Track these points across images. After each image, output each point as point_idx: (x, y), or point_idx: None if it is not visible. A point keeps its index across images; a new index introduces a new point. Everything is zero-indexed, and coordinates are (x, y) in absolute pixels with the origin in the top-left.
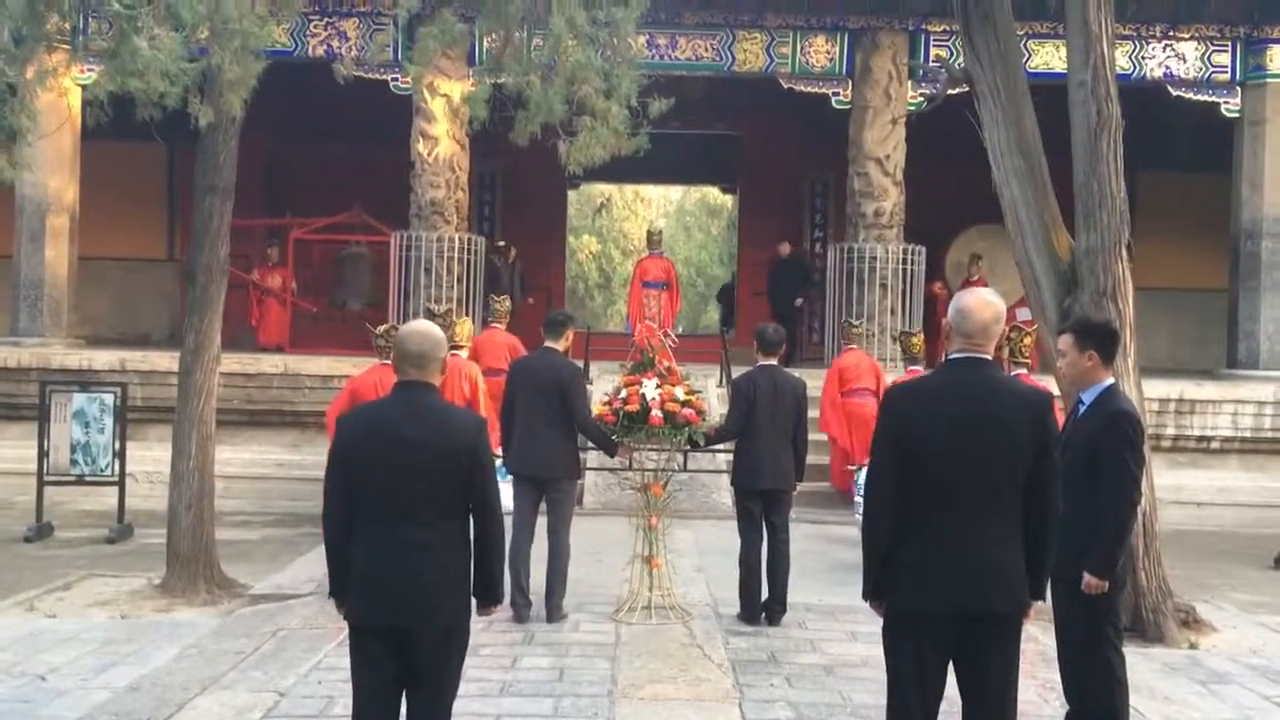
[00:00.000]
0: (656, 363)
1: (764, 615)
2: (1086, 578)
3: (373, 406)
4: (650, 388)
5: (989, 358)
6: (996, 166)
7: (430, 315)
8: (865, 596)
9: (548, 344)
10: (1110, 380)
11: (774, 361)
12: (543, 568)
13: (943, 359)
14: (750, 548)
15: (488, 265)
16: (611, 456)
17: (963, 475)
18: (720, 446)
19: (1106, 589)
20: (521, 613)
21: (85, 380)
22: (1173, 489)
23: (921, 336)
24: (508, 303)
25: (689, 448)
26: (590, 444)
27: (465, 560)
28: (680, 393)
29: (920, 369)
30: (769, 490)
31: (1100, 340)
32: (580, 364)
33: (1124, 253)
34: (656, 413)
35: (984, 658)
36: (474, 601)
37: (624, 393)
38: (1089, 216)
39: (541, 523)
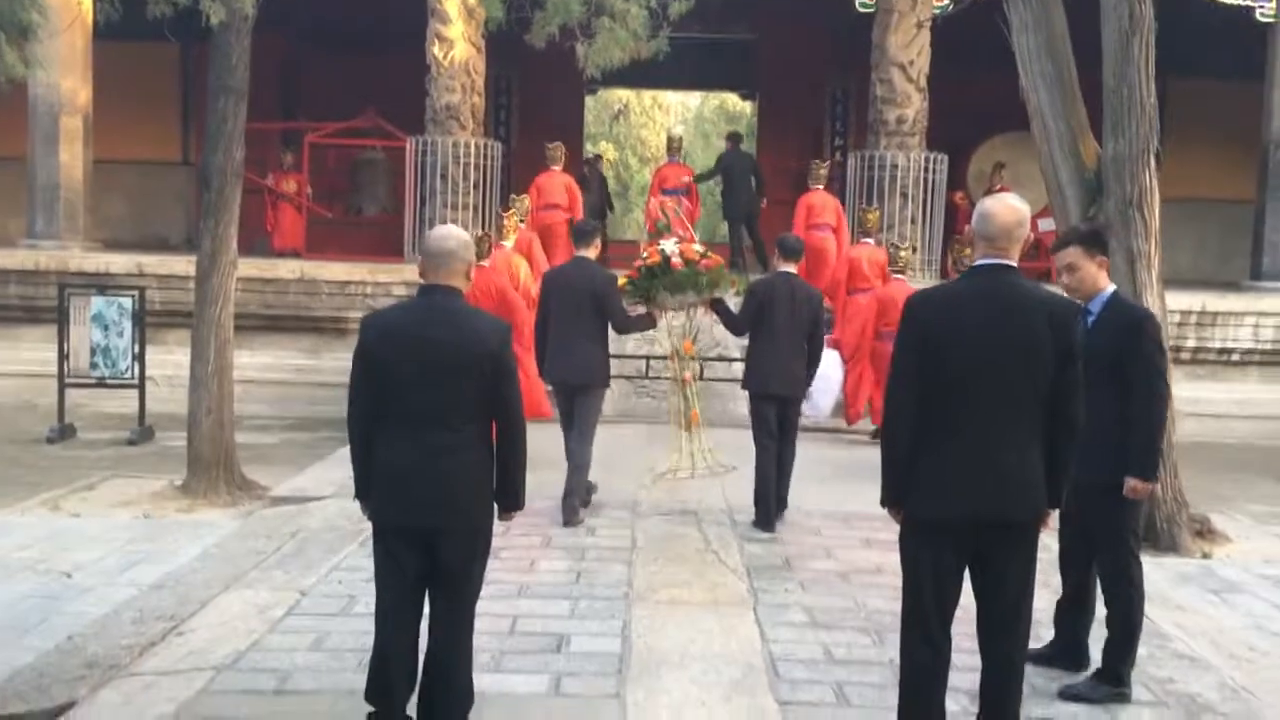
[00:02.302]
0: (672, 228)
1: None
2: (1131, 482)
3: (396, 309)
4: (670, 245)
5: (1013, 264)
6: (1024, 71)
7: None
8: (884, 503)
9: (580, 253)
10: (1113, 287)
11: (793, 269)
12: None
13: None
14: (765, 455)
15: (580, 181)
16: (652, 326)
17: (984, 383)
18: (736, 354)
19: (1150, 492)
20: (570, 517)
21: (103, 284)
22: (1191, 401)
23: (910, 250)
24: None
25: (713, 306)
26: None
27: (489, 465)
28: (698, 248)
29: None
30: (780, 396)
31: (1105, 245)
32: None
33: (1152, 161)
34: (677, 259)
35: (1001, 564)
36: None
37: (645, 253)
38: (1117, 123)
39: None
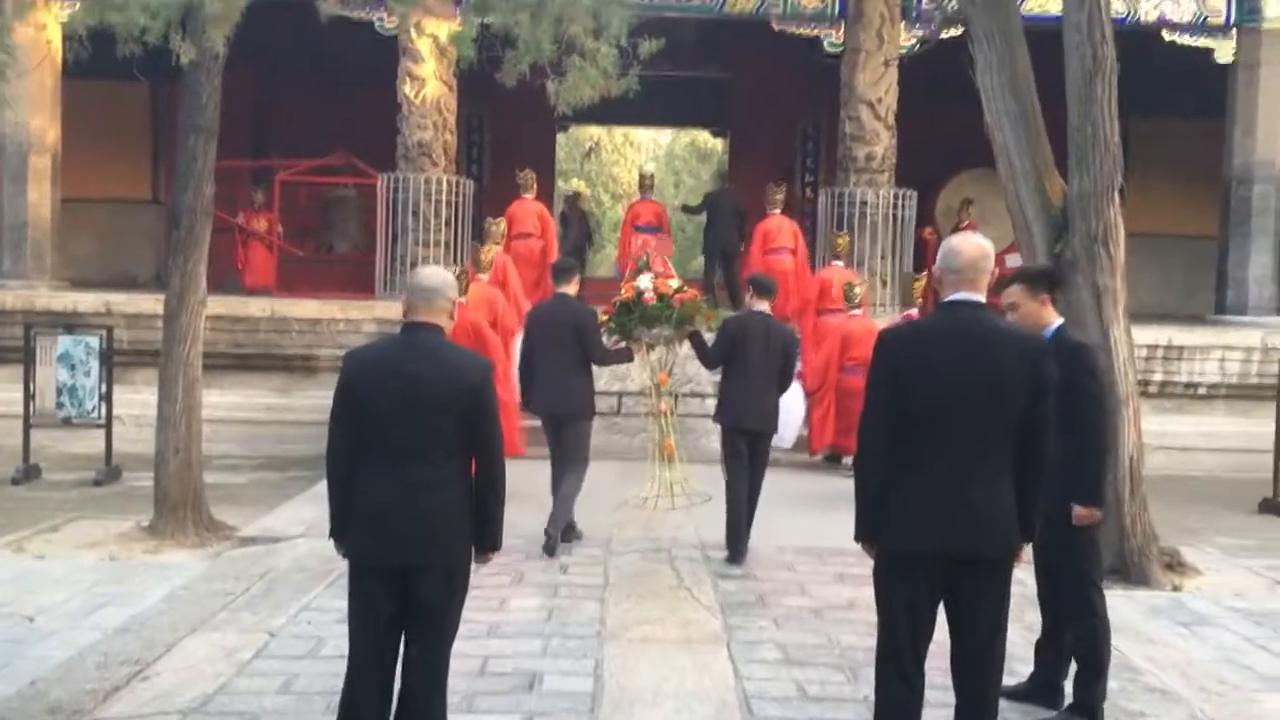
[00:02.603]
0: (651, 266)
1: None
2: (1077, 509)
3: (379, 344)
4: (645, 280)
5: (983, 300)
6: (989, 109)
7: (475, 261)
8: (857, 538)
9: (560, 290)
10: (1059, 320)
11: (767, 307)
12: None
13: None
14: (737, 488)
15: (561, 218)
16: (629, 360)
17: (955, 418)
18: (709, 390)
19: (1097, 518)
20: (553, 546)
21: (70, 323)
22: (1159, 434)
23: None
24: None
25: (690, 339)
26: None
27: (469, 503)
28: (674, 284)
29: (916, 313)
30: (753, 430)
31: (1050, 282)
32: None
33: (1116, 198)
34: (650, 294)
35: (974, 599)
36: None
37: (623, 289)
38: (1082, 160)
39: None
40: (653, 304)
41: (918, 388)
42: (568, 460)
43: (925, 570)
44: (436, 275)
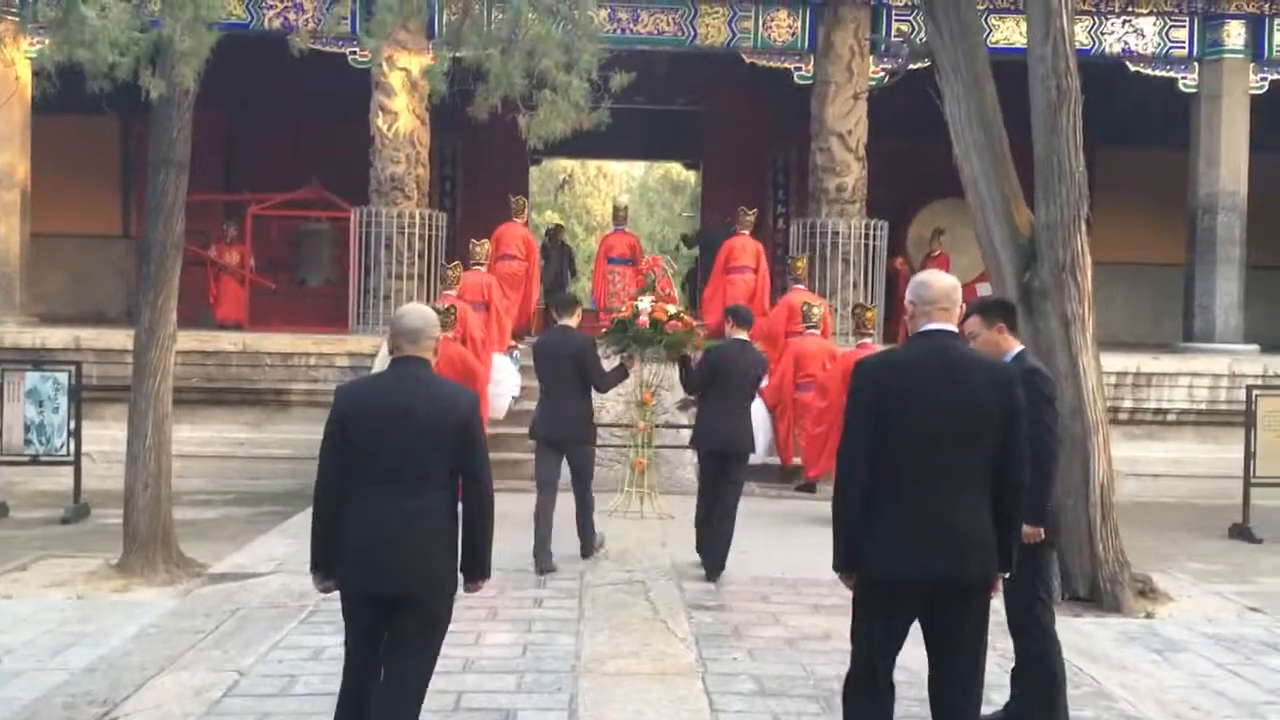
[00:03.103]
0: (657, 287)
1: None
2: (1025, 529)
3: (369, 379)
4: (645, 302)
5: (954, 329)
6: (957, 141)
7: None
8: (836, 568)
9: (562, 321)
10: (1020, 346)
11: (745, 336)
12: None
13: (906, 336)
14: (707, 507)
15: (542, 251)
16: (626, 378)
17: (936, 445)
18: (684, 421)
19: (1041, 537)
20: (544, 565)
21: (39, 359)
22: (1129, 461)
23: (875, 311)
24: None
25: (679, 363)
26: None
27: (455, 533)
28: (671, 309)
29: (870, 343)
30: (727, 453)
31: (1004, 312)
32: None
33: (1083, 227)
34: (644, 317)
35: (956, 625)
36: (460, 578)
37: (623, 307)
38: (1048, 191)
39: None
40: (645, 328)
41: (897, 417)
42: (578, 479)
43: (908, 596)
44: (420, 315)
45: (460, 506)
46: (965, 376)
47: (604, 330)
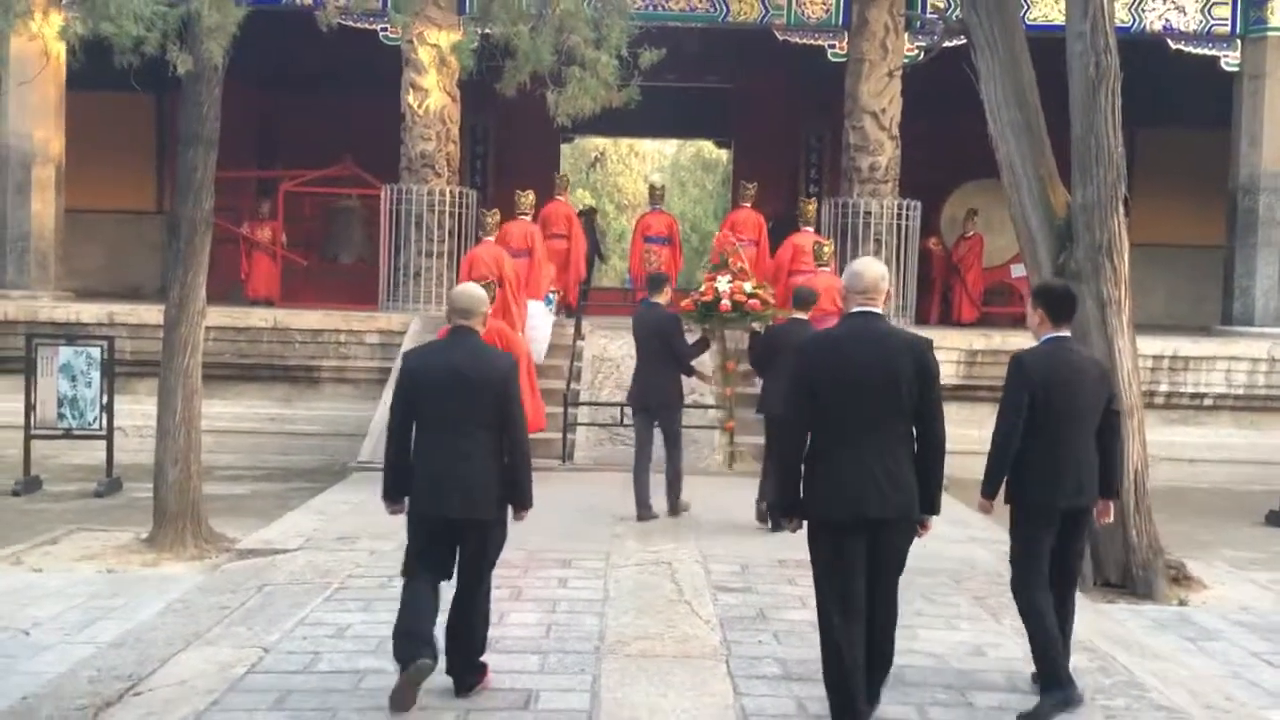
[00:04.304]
0: (731, 264)
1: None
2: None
3: (431, 345)
4: (723, 283)
5: (880, 311)
6: (993, 120)
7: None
8: (781, 511)
9: (652, 298)
10: (1054, 333)
11: (805, 316)
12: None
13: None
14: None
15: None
16: (706, 349)
17: (862, 406)
18: (710, 401)
19: (989, 510)
20: (645, 514)
21: (73, 334)
22: (1165, 445)
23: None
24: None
25: (756, 328)
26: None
27: (499, 468)
28: (749, 286)
29: (811, 229)
30: (649, 405)
31: (1046, 301)
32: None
33: (1120, 208)
34: (726, 301)
35: (884, 552)
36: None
37: (702, 287)
38: (1085, 171)
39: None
40: (728, 313)
41: (832, 382)
42: (668, 443)
43: (848, 531)
44: (471, 296)
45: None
46: (885, 348)
47: (688, 311)
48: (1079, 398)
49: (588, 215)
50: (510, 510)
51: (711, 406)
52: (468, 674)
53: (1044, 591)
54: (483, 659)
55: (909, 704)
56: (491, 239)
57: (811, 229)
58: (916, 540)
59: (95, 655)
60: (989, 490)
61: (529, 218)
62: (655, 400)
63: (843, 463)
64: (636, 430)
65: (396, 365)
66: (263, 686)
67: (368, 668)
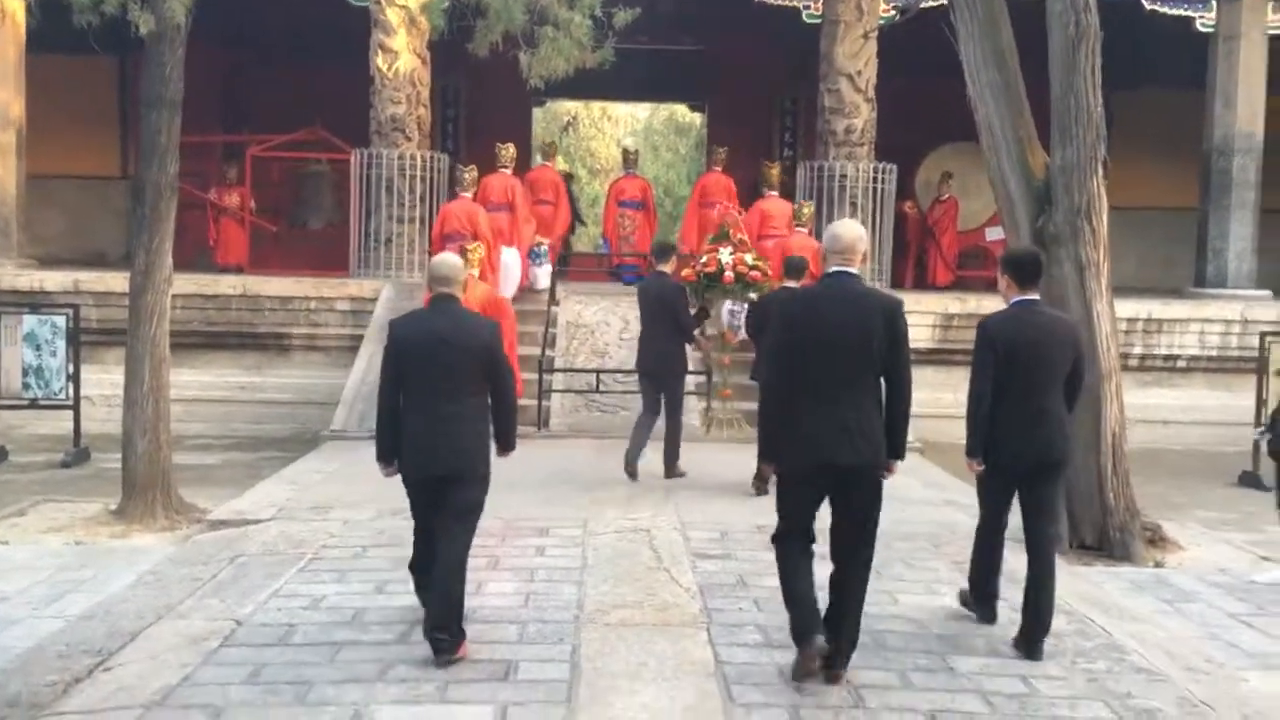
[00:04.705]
0: (732, 235)
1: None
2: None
3: (416, 314)
4: (725, 254)
5: (855, 272)
6: (972, 81)
7: (461, 251)
8: (762, 458)
9: (659, 268)
10: (1021, 296)
11: (796, 284)
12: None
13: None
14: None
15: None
16: (707, 318)
17: (835, 362)
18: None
19: (977, 469)
20: (631, 471)
21: (37, 302)
22: (1139, 408)
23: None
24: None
25: (753, 298)
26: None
27: (486, 427)
28: (749, 258)
29: (775, 194)
30: (654, 372)
31: (1012, 266)
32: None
33: (1100, 169)
34: (729, 273)
35: (853, 494)
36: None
37: (704, 258)
38: (1065, 132)
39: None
40: (732, 284)
41: (809, 338)
42: (669, 410)
43: (817, 477)
44: (449, 265)
45: (490, 409)
46: (858, 307)
47: (690, 282)
48: (1044, 357)
49: (565, 180)
50: (494, 452)
51: (696, 373)
52: (454, 633)
53: (998, 536)
54: (462, 627)
55: (890, 669)
56: (469, 195)
57: (775, 193)
58: (896, 505)
59: (64, 629)
60: (972, 450)
61: (509, 170)
62: (662, 367)
63: (817, 415)
64: (643, 395)
65: (369, 332)
66: (236, 660)
67: (343, 639)
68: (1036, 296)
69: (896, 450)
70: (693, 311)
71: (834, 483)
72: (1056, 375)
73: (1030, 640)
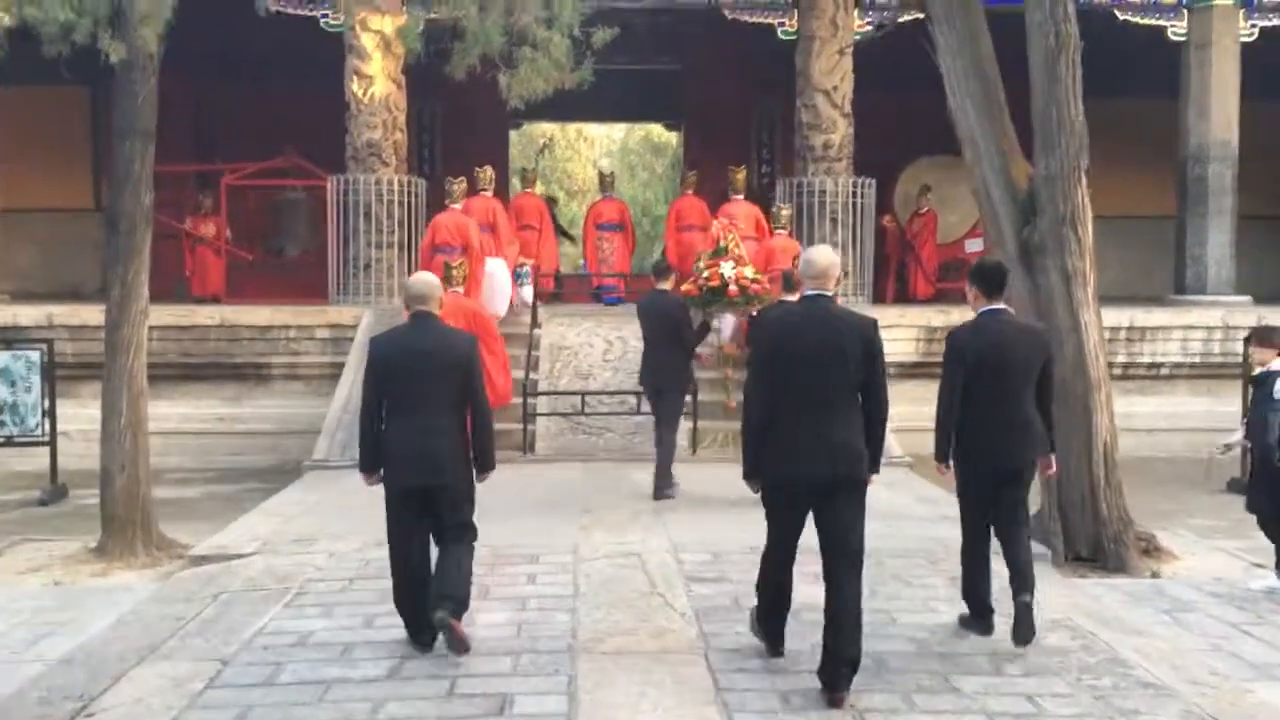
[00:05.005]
0: (730, 251)
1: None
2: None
3: (396, 330)
4: (727, 269)
5: (830, 294)
6: (952, 93)
7: (444, 268)
8: (745, 476)
9: (659, 286)
10: (988, 306)
11: (792, 298)
12: None
13: (797, 297)
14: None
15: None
16: (708, 333)
17: (815, 380)
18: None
19: (944, 472)
20: (662, 491)
21: (10, 337)
22: (1123, 416)
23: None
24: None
25: (754, 314)
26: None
27: (464, 440)
28: (750, 272)
29: (741, 197)
30: (656, 386)
31: (979, 278)
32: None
33: (1083, 179)
34: (733, 287)
35: (836, 509)
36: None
37: (706, 273)
38: (1048, 142)
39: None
40: (736, 298)
41: (788, 359)
42: (666, 423)
43: (800, 492)
44: (425, 283)
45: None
46: (835, 328)
47: (692, 296)
48: (1011, 365)
49: (549, 204)
50: (475, 474)
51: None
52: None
53: (983, 544)
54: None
55: (894, 692)
56: (458, 207)
57: (741, 196)
58: (890, 522)
59: (44, 674)
60: (939, 455)
61: (488, 193)
62: (662, 381)
63: (798, 430)
64: (654, 411)
65: (350, 360)
66: (222, 702)
67: (333, 677)
68: (1003, 306)
69: (874, 463)
70: (695, 326)
71: (817, 497)
72: (1025, 382)
73: (1019, 624)
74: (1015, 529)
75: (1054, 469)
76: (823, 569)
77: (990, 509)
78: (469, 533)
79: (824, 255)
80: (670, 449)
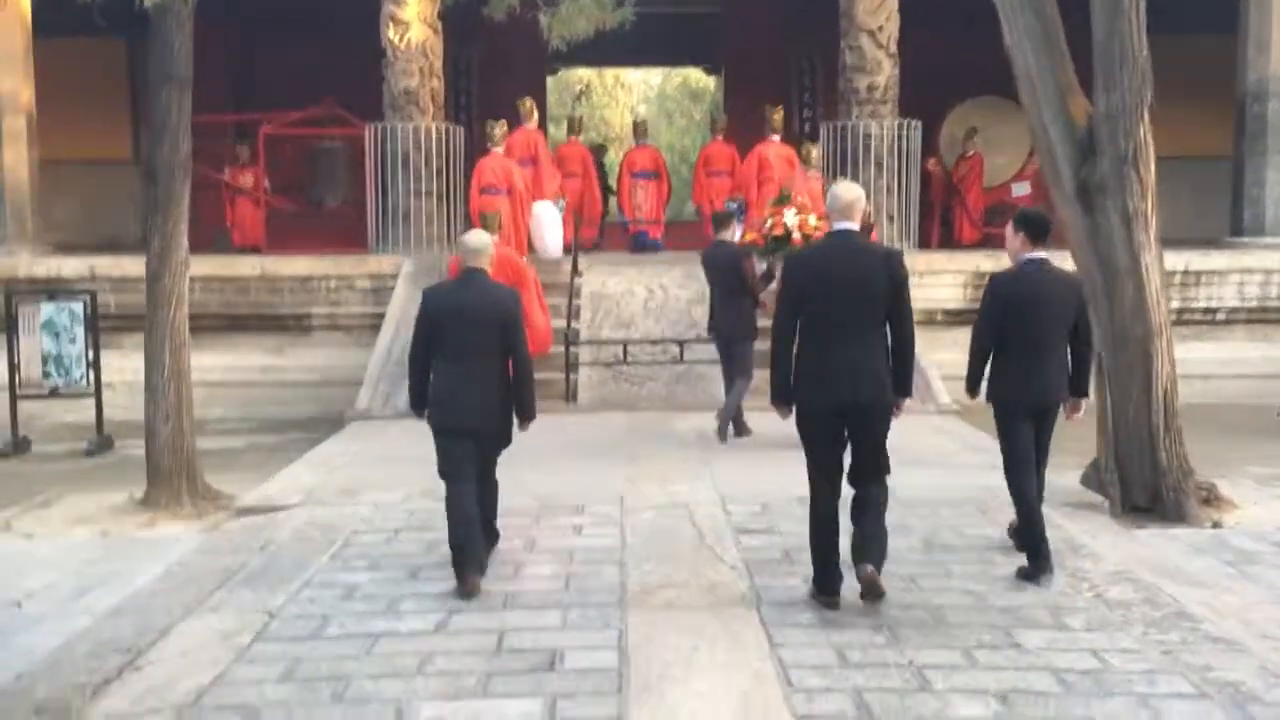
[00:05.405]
0: (794, 199)
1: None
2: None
3: (446, 284)
4: (790, 216)
5: (856, 228)
6: (1009, 29)
7: (481, 219)
8: (773, 401)
9: (720, 236)
10: (1031, 254)
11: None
12: None
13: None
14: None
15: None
16: (772, 280)
17: (843, 309)
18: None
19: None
20: (741, 431)
21: (53, 289)
22: (1179, 363)
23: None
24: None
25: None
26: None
27: (508, 388)
28: (813, 219)
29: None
30: (724, 335)
31: (1028, 226)
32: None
33: (1146, 115)
34: (797, 234)
35: (865, 429)
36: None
37: (770, 221)
38: (1109, 77)
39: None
40: (800, 245)
41: (814, 289)
42: (736, 372)
43: (830, 415)
44: (479, 239)
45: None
46: (861, 260)
47: (757, 245)
48: (1045, 313)
49: (596, 152)
50: (516, 421)
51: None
52: (488, 538)
53: (1029, 479)
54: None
55: (954, 648)
56: (500, 150)
57: (778, 137)
58: (940, 471)
59: (92, 626)
60: (969, 389)
61: (531, 126)
62: (729, 331)
63: (827, 359)
64: (721, 360)
65: (391, 310)
66: (270, 656)
67: (380, 630)
68: (1045, 255)
69: (903, 388)
70: (759, 274)
71: (848, 420)
72: (1058, 328)
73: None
74: (1040, 469)
75: (1080, 411)
76: (849, 478)
77: (1029, 435)
78: (495, 465)
79: (848, 190)
80: (739, 394)
